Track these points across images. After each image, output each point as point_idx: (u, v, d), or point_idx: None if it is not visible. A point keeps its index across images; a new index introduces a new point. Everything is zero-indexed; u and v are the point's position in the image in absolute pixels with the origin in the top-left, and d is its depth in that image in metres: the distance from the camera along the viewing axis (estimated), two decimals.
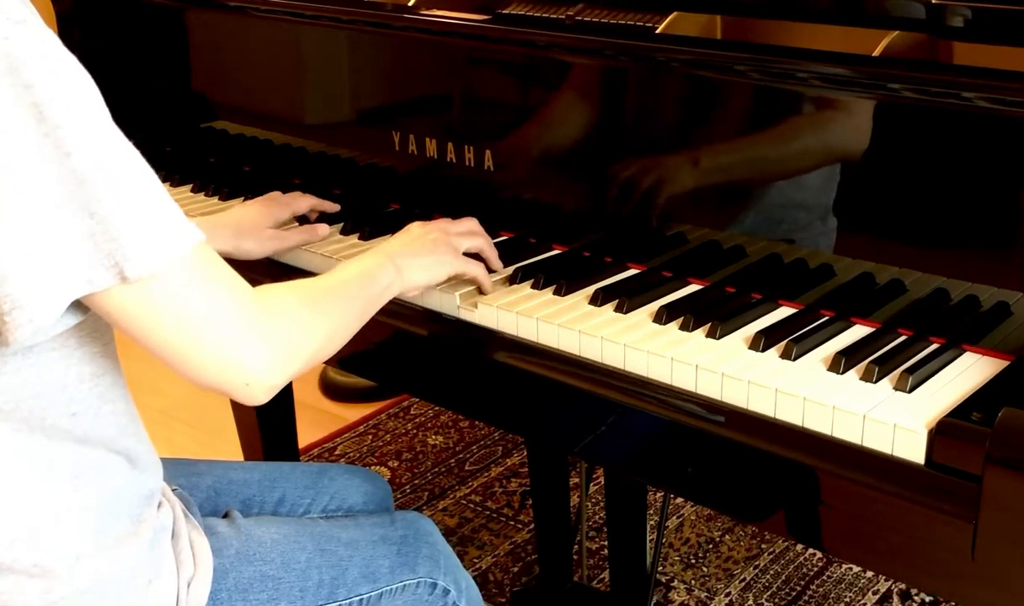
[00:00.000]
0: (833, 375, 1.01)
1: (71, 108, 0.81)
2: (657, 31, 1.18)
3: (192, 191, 1.64)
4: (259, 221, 1.36)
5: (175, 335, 0.89)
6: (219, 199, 1.60)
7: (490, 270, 1.26)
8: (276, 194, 1.42)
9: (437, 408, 2.76)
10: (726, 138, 1.19)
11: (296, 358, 0.98)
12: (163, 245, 0.85)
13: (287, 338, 0.97)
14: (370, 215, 1.47)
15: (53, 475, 0.94)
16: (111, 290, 0.85)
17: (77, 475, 0.95)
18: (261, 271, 1.33)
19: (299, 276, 1.13)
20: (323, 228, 1.37)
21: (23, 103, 0.79)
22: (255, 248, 1.33)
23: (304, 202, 1.43)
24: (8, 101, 0.79)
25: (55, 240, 0.81)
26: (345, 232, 1.41)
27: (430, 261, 1.18)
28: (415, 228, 1.23)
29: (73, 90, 0.82)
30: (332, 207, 1.45)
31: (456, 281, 1.25)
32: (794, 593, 2.04)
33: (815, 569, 2.11)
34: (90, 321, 0.93)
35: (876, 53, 1.04)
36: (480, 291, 1.23)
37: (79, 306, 0.88)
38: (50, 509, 0.94)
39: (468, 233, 1.26)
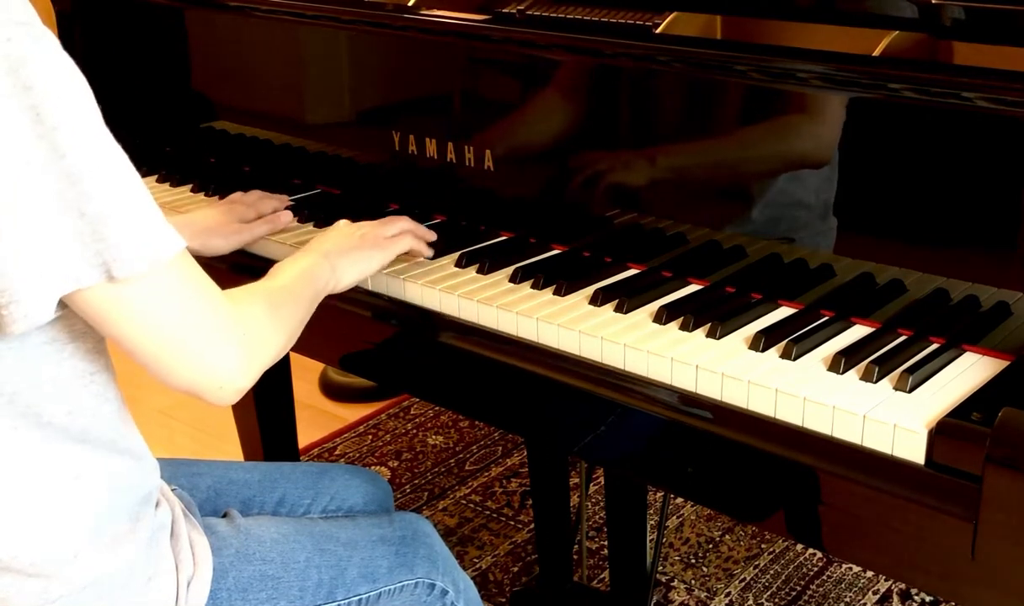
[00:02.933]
0: (833, 375, 1.01)
1: (68, 110, 0.82)
2: (657, 31, 1.18)
3: (192, 191, 1.64)
4: (225, 220, 1.38)
5: (153, 336, 0.91)
6: (219, 199, 1.59)
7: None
8: (238, 195, 1.45)
9: (437, 408, 2.76)
10: (727, 137, 1.19)
11: (262, 359, 1.01)
12: (149, 248, 0.87)
13: (256, 342, 1.00)
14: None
15: (54, 475, 0.94)
16: (95, 288, 0.86)
17: (78, 475, 0.95)
18: (230, 260, 1.37)
19: (268, 265, 1.15)
20: (286, 215, 1.41)
21: (22, 105, 0.80)
22: (223, 244, 1.35)
23: (268, 203, 1.45)
24: (8, 102, 0.79)
25: (48, 238, 0.82)
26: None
27: (359, 256, 1.22)
28: (343, 225, 1.27)
29: (70, 92, 0.83)
30: (288, 212, 1.45)
31: (457, 282, 1.25)
32: (794, 593, 2.04)
33: (815, 569, 2.11)
34: (81, 319, 0.93)
35: (876, 53, 1.04)
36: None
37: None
38: (49, 509, 0.94)
39: (393, 227, 1.30)
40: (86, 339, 0.94)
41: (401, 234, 1.28)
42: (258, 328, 1.01)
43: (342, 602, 1.12)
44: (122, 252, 0.85)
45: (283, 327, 1.05)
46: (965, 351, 1.04)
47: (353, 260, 1.21)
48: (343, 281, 1.20)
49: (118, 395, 1.00)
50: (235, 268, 1.38)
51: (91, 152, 0.83)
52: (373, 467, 2.52)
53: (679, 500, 2.31)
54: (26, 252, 0.82)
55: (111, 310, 0.88)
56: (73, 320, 0.92)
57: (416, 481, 2.46)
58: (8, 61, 0.80)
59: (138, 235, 0.86)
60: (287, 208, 1.44)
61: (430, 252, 1.31)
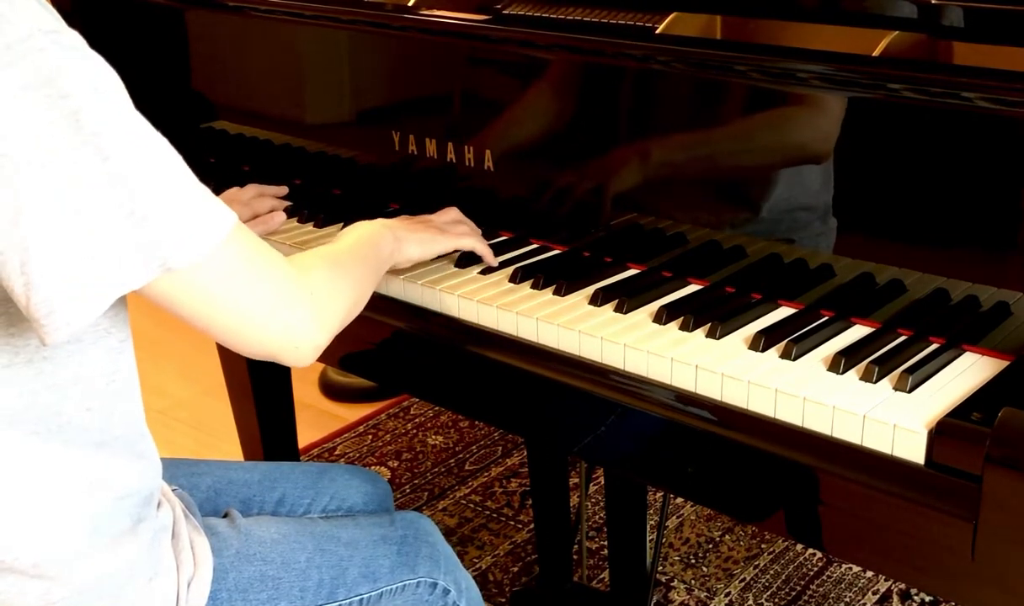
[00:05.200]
0: (833, 375, 1.01)
1: (106, 112, 0.82)
2: (657, 31, 1.18)
3: None
4: None
5: (224, 312, 0.92)
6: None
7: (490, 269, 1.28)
8: (235, 192, 1.46)
9: (437, 408, 2.76)
10: (727, 138, 1.19)
11: (334, 318, 1.03)
12: (202, 234, 0.87)
13: (324, 301, 1.01)
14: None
15: (63, 480, 0.94)
16: (155, 282, 0.86)
17: (85, 478, 0.95)
18: None
19: None
20: (279, 216, 1.42)
21: (61, 113, 0.80)
22: None
23: (265, 203, 1.46)
24: (47, 112, 0.79)
25: (93, 244, 0.82)
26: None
27: (423, 236, 1.24)
28: (401, 217, 1.29)
29: (106, 93, 0.83)
30: (282, 213, 1.46)
31: (457, 282, 1.25)
32: (794, 593, 2.05)
33: (815, 569, 2.11)
34: (107, 317, 0.93)
35: (876, 53, 1.04)
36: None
37: None
38: (53, 511, 0.94)
39: (453, 222, 1.31)
40: (109, 338, 0.94)
41: (467, 234, 1.29)
42: (324, 289, 1.02)
43: (343, 602, 1.12)
44: (176, 245, 0.85)
45: (349, 287, 1.07)
46: (965, 351, 1.04)
47: (417, 238, 1.23)
48: (405, 253, 1.22)
49: (138, 396, 1.00)
50: None
51: (133, 150, 0.83)
52: (373, 467, 2.52)
53: (679, 500, 2.31)
54: (70, 260, 0.81)
55: (176, 295, 0.89)
56: (99, 319, 0.91)
57: (416, 481, 2.46)
58: (43, 72, 0.79)
59: (189, 224, 0.86)
60: (284, 210, 1.44)
61: (495, 261, 1.29)
